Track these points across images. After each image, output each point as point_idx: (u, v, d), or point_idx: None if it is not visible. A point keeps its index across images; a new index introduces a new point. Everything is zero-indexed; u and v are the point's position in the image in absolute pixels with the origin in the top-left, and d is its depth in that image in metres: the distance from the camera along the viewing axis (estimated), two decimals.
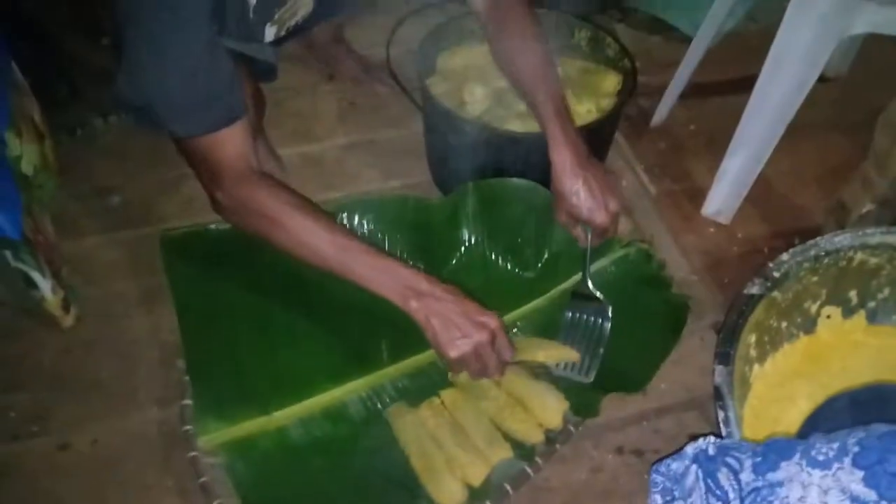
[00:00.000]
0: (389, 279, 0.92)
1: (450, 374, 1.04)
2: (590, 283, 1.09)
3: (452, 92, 1.31)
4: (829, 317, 1.06)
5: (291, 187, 1.00)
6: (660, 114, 1.48)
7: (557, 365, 1.05)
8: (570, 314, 1.09)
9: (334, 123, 1.48)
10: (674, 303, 1.13)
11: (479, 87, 1.30)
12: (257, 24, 1.07)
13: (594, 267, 1.13)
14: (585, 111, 1.26)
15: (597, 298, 1.08)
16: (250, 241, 1.00)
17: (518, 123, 1.25)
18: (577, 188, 1.05)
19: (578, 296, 1.09)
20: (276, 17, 1.10)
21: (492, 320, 0.92)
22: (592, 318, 1.07)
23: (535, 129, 1.22)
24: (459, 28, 1.34)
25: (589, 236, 1.09)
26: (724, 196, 1.28)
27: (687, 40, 1.43)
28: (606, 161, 1.36)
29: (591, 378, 1.03)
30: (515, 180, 1.17)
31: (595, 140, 1.26)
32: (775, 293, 0.98)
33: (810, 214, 1.32)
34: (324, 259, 0.94)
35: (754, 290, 0.97)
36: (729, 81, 1.52)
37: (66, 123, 1.36)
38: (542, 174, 1.12)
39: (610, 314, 1.06)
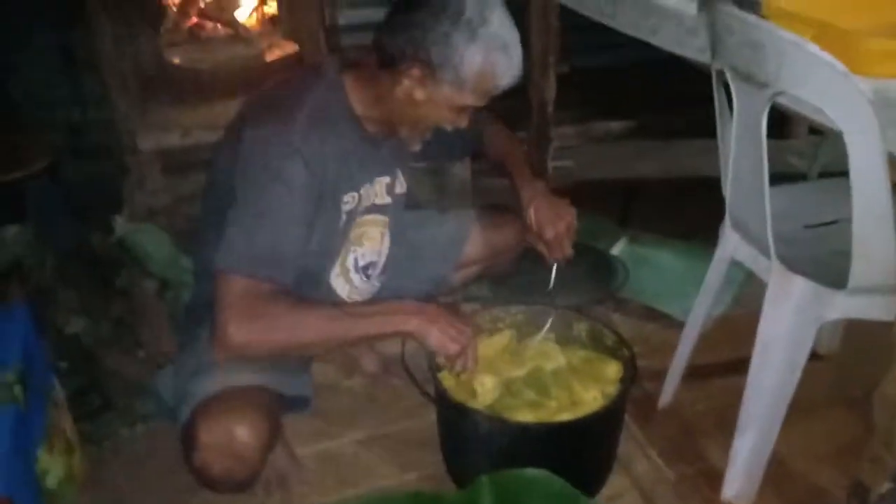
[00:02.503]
0: (389, 316, 1.17)
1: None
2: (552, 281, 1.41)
3: (464, 384, 1.38)
4: None
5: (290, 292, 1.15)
6: (665, 396, 1.52)
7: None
8: None
9: (352, 419, 1.53)
10: None
11: (489, 378, 1.36)
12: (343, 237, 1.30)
13: None
14: (591, 398, 1.30)
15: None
16: None
17: (528, 413, 1.29)
18: (532, 211, 1.37)
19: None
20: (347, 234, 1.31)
21: (468, 328, 1.21)
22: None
23: (545, 418, 1.27)
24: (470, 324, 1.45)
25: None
26: (741, 478, 1.27)
27: (681, 326, 1.52)
28: (619, 446, 1.36)
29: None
30: (529, 471, 1.17)
31: (604, 426, 1.29)
32: None
33: (831, 494, 1.30)
34: (327, 336, 1.15)
35: None
36: (726, 363, 1.58)
37: (95, 434, 1.42)
38: (556, 463, 1.13)
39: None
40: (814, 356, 1.18)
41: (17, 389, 1.16)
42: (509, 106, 2.59)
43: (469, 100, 1.17)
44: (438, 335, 1.16)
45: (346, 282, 1.35)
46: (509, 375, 1.38)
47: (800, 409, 1.20)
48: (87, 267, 1.90)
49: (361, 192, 1.28)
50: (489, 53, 1.13)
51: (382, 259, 1.42)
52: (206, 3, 2.47)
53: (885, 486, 1.10)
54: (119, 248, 1.89)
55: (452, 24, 1.11)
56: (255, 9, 2.51)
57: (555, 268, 1.41)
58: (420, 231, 1.53)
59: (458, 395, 1.31)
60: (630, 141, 2.72)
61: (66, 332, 1.62)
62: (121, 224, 1.96)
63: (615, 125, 2.72)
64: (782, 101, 1.07)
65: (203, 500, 1.27)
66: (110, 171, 2.16)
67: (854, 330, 1.62)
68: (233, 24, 2.43)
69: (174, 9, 2.45)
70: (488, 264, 1.61)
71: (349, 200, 1.26)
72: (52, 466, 1.14)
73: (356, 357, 1.66)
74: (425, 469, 1.38)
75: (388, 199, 1.36)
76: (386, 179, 1.35)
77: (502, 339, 1.45)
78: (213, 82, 2.22)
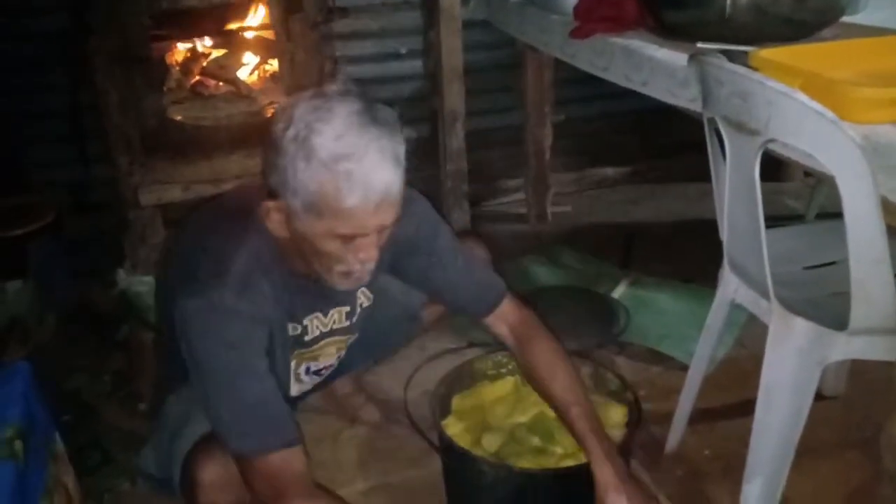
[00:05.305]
0: None
1: None
2: None
3: (468, 430, 1.37)
4: None
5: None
6: (672, 441, 1.51)
7: None
8: None
9: (354, 470, 1.52)
10: None
11: (492, 436, 1.34)
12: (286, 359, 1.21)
13: None
14: None
15: None
16: None
17: (533, 460, 1.28)
18: None
19: None
20: (297, 352, 1.24)
21: None
22: None
23: (550, 465, 1.26)
24: (474, 370, 1.45)
25: None
26: None
27: (685, 368, 1.51)
28: None
29: None
30: None
31: None
32: None
33: None
34: None
35: None
36: (732, 405, 1.58)
37: (96, 489, 1.41)
38: None
39: None
40: (821, 397, 1.17)
41: (17, 445, 1.15)
42: (509, 153, 2.69)
43: (343, 228, 1.00)
44: None
45: (296, 382, 1.31)
46: (513, 422, 1.37)
47: (809, 452, 1.19)
48: (88, 321, 1.91)
49: (305, 322, 1.22)
50: (321, 169, 0.96)
51: (338, 361, 1.38)
52: (208, 62, 2.53)
53: None
54: (120, 301, 1.90)
55: (280, 142, 0.98)
56: (257, 67, 2.57)
57: None
58: (387, 276, 1.43)
59: (463, 442, 1.31)
60: (626, 186, 2.76)
61: (66, 388, 1.62)
62: (122, 277, 1.98)
63: (611, 171, 2.77)
64: (774, 147, 1.09)
65: None
66: (112, 226, 2.19)
67: (861, 370, 1.62)
68: (235, 82, 2.48)
69: (177, 68, 2.51)
70: None
71: (291, 329, 1.21)
72: None
73: (357, 407, 1.65)
74: None
75: (346, 323, 1.30)
76: (345, 308, 1.27)
77: (506, 385, 1.45)
78: (215, 138, 2.26)
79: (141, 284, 1.88)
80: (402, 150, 1.01)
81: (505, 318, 1.29)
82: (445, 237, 1.26)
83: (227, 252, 1.07)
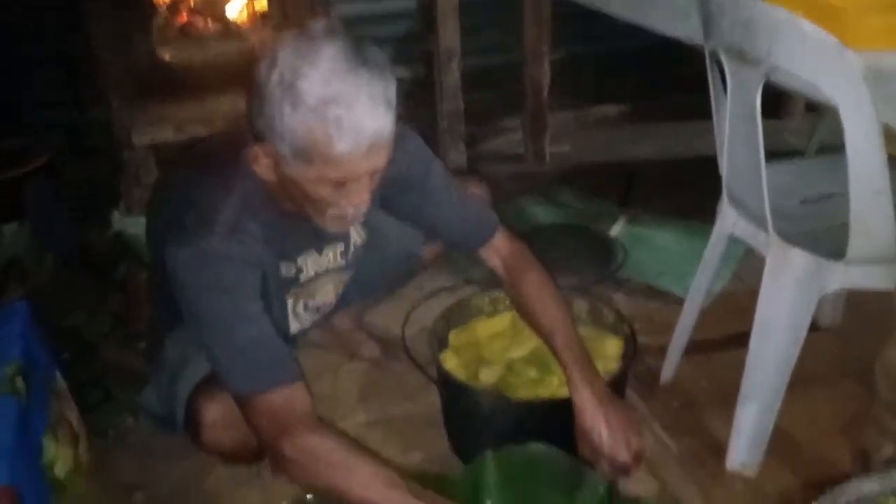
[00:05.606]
0: None
1: None
2: None
3: (466, 364, 1.38)
4: None
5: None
6: (668, 371, 1.53)
7: None
8: None
9: (355, 403, 1.54)
10: None
11: (490, 369, 1.36)
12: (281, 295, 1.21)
13: None
14: None
15: None
16: None
17: (531, 391, 1.31)
18: (599, 426, 1.12)
19: None
20: (293, 290, 1.24)
21: None
22: None
23: (546, 395, 1.28)
24: (469, 307, 1.46)
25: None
26: (745, 449, 1.28)
27: (683, 303, 1.51)
28: None
29: None
30: (533, 446, 1.18)
31: None
32: None
33: (839, 463, 1.30)
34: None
35: None
36: (728, 337, 1.59)
37: (99, 425, 1.43)
38: (559, 438, 1.15)
39: None
40: (817, 329, 1.18)
41: (19, 382, 1.16)
42: (506, 92, 2.64)
43: (333, 174, 0.98)
44: None
45: (295, 320, 1.31)
46: (510, 356, 1.39)
47: (804, 382, 1.21)
48: (86, 262, 1.91)
49: (300, 262, 1.22)
50: (309, 115, 0.93)
51: (336, 299, 1.38)
52: (196, 1, 2.47)
53: (889, 452, 1.11)
54: (116, 242, 1.90)
55: (265, 86, 0.95)
56: (246, 5, 2.51)
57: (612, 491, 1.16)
58: (382, 214, 1.38)
59: (461, 376, 1.32)
60: (626, 124, 2.73)
61: (66, 326, 1.63)
62: (118, 218, 1.98)
63: (610, 109, 2.74)
64: (776, 78, 1.07)
65: (211, 482, 1.29)
66: (106, 168, 2.18)
67: (856, 302, 1.63)
68: (223, 20, 2.43)
69: (164, 7, 2.45)
70: None
71: (286, 270, 1.20)
72: (59, 456, 1.15)
73: (357, 344, 1.66)
74: (430, 449, 1.39)
75: (342, 261, 1.30)
76: (339, 247, 1.28)
77: (502, 320, 1.46)
78: (205, 78, 2.23)
79: (136, 225, 1.88)
80: (392, 91, 0.98)
81: (498, 250, 1.30)
82: (438, 173, 1.25)
83: (214, 200, 1.06)
